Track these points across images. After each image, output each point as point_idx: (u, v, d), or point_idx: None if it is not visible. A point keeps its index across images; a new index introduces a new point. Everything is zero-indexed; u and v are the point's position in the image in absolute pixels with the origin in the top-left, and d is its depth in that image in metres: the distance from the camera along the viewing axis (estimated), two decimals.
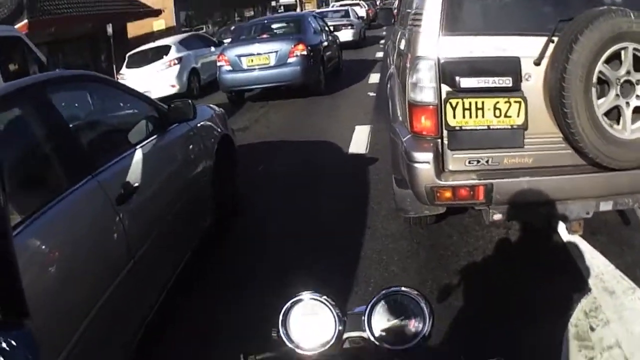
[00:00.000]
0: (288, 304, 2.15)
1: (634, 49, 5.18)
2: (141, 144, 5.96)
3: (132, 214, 5.15)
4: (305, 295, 2.16)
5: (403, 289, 2.16)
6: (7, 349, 1.92)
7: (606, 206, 5.96)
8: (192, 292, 6.51)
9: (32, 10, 30.89)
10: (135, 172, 5.52)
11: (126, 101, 6.83)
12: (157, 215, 5.81)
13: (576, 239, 6.70)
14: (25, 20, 29.59)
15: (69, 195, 4.48)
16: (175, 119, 6.86)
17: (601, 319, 5.36)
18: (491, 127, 5.52)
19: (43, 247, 4.05)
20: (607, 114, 5.35)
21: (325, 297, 2.14)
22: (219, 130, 8.38)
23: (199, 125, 7.61)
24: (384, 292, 2.16)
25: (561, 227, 6.77)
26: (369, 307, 2.11)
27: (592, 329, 5.23)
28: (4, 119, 4.79)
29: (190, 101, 7.10)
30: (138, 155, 5.74)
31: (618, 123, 5.41)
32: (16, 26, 22.32)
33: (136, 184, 5.37)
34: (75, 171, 4.76)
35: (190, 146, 7.28)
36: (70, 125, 5.37)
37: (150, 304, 5.44)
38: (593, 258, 6.38)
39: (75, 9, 34.61)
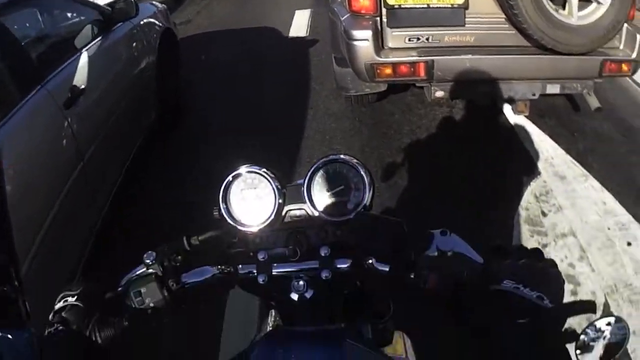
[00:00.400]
0: (227, 178, 2.05)
1: None
2: (84, 49, 5.77)
3: (79, 116, 5.06)
4: (244, 169, 2.05)
5: (341, 156, 2.03)
6: (7, 349, 1.85)
7: (553, 89, 5.99)
8: (138, 188, 6.39)
9: None
10: (81, 75, 5.38)
11: (73, 9, 6.62)
12: (104, 115, 5.71)
13: (523, 120, 6.72)
14: None
15: (20, 108, 4.34)
16: (118, 19, 6.71)
17: (553, 204, 5.39)
18: (431, 5, 5.46)
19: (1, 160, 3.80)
20: None
21: (264, 169, 2.03)
22: (160, 25, 8.14)
23: (141, 22, 7.43)
24: (322, 160, 2.03)
25: (507, 107, 6.78)
26: (308, 177, 2.00)
27: (544, 214, 5.26)
28: None
29: None
30: (83, 58, 5.60)
31: (564, 8, 5.42)
32: None
33: (82, 87, 5.24)
34: (24, 83, 4.59)
35: (134, 44, 7.09)
36: (18, 38, 5.08)
37: (101, 204, 5.38)
38: (541, 141, 6.42)
39: None
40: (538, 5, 5.19)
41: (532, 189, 5.61)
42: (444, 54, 5.65)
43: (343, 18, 5.88)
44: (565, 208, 5.31)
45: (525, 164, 6.04)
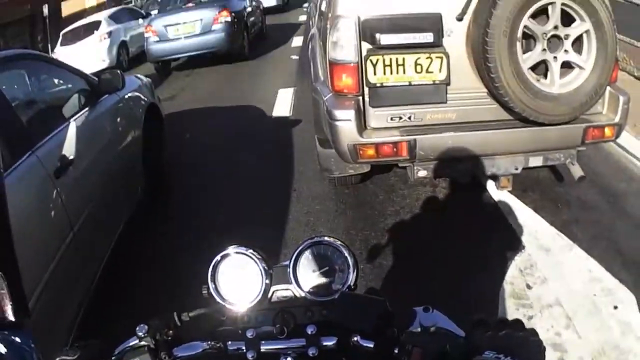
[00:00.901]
0: (216, 258, 2.07)
1: (562, 3, 5.14)
2: (74, 117, 5.86)
3: (69, 186, 5.09)
4: (232, 250, 2.07)
5: (325, 239, 2.08)
6: (7, 349, 1.81)
7: (536, 161, 5.98)
8: (126, 264, 6.36)
9: None
10: (70, 145, 5.42)
11: (60, 76, 6.77)
12: (92, 187, 5.74)
13: (506, 196, 6.69)
14: None
15: (11, 172, 4.38)
16: (105, 90, 6.77)
17: (538, 276, 5.34)
18: (413, 83, 5.45)
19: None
20: (534, 68, 5.32)
21: (251, 250, 2.06)
22: (145, 100, 8.26)
23: (127, 95, 7.51)
24: (307, 242, 2.06)
25: (490, 184, 6.74)
26: (293, 258, 2.04)
27: (529, 287, 5.20)
28: None
29: (119, 71, 7.09)
30: (72, 128, 5.64)
31: (545, 77, 5.38)
32: None
33: (71, 157, 5.27)
34: (16, 147, 4.66)
35: (120, 117, 7.19)
36: (10, 103, 5.11)
37: (90, 276, 5.36)
38: (525, 215, 6.38)
39: None
40: (520, 76, 5.18)
41: (517, 263, 5.55)
42: (426, 132, 5.62)
43: (326, 98, 5.87)
44: (550, 279, 5.26)
45: (509, 239, 5.99)
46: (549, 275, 5.30)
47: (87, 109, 6.28)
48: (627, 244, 5.78)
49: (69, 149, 5.37)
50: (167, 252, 6.49)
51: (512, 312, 4.90)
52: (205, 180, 8.51)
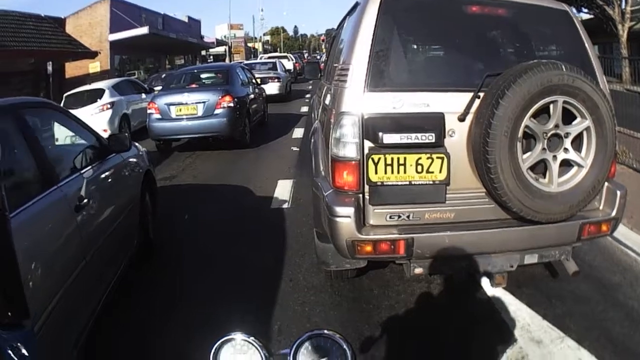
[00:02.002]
0: (218, 343, 2.22)
1: (564, 102, 5.23)
2: (89, 167, 6.88)
3: (84, 222, 5.93)
4: (235, 335, 2.21)
5: (326, 332, 2.20)
6: (7, 349, 1.87)
7: (531, 259, 6.01)
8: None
9: None
10: (85, 189, 6.26)
11: (76, 129, 7.50)
12: (100, 227, 6.48)
13: (500, 291, 6.73)
14: None
15: (41, 199, 5.31)
16: (113, 149, 7.72)
17: None
18: (413, 182, 5.51)
19: (24, 241, 4.66)
20: (533, 167, 5.39)
21: (253, 337, 2.19)
22: (143, 164, 9.23)
23: (129, 158, 8.50)
24: (307, 334, 2.19)
25: (484, 281, 6.78)
26: (294, 348, 2.16)
27: None
28: None
29: (127, 134, 8.47)
30: (87, 175, 6.61)
31: (544, 176, 5.46)
32: None
33: (85, 200, 6.09)
34: (46, 179, 5.64)
35: (124, 174, 8.18)
36: (39, 141, 5.99)
37: (97, 297, 6.16)
38: (518, 310, 6.41)
39: (22, 43, 34.58)
40: (518, 176, 5.24)
41: (508, 355, 5.59)
42: (424, 231, 5.65)
43: (326, 193, 5.92)
44: None
45: (501, 333, 6.02)
46: None
47: (98, 162, 7.23)
48: (619, 332, 5.90)
49: (85, 191, 6.22)
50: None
51: None
52: (200, 263, 8.56)
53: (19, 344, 2.05)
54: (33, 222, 5.05)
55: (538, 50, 6.28)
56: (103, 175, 7.32)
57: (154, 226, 9.47)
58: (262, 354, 2.15)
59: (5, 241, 1.96)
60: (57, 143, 7.69)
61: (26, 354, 2.07)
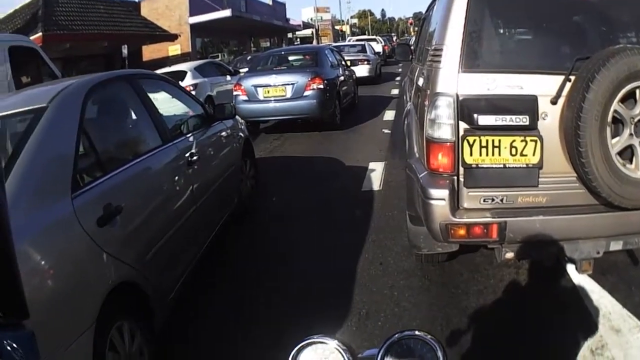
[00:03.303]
0: (297, 348, 2.09)
1: None
2: (197, 131, 8.10)
3: (194, 175, 7.23)
4: (316, 339, 2.09)
5: (417, 333, 2.07)
6: (7, 349, 2.00)
7: (616, 245, 6.00)
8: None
9: (47, 23, 31.30)
10: (195, 148, 7.44)
11: (184, 98, 9.00)
12: (207, 182, 7.78)
13: (585, 278, 6.77)
14: (40, 33, 29.90)
15: (160, 151, 6.68)
16: (218, 117, 9.05)
17: (607, 356, 5.45)
18: (507, 165, 5.56)
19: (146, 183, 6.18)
20: (620, 153, 5.41)
21: (336, 341, 2.07)
22: (243, 134, 10.60)
23: (231, 127, 9.79)
24: (397, 335, 2.07)
25: (571, 267, 6.84)
26: (382, 350, 2.04)
27: None
28: (106, 99, 6.70)
29: (231, 104, 9.68)
30: (196, 137, 7.82)
31: (631, 162, 5.48)
32: (30, 38, 22.16)
33: (195, 157, 7.28)
34: (162, 138, 6.88)
35: (227, 140, 9.49)
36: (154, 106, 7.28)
37: (206, 236, 7.59)
38: (601, 297, 6.45)
39: (91, 26, 34.97)
40: (608, 162, 5.27)
41: (589, 343, 5.64)
42: (516, 215, 5.72)
43: (421, 175, 6.01)
44: (618, 359, 5.38)
45: (583, 320, 6.08)
46: (617, 355, 5.42)
47: (205, 127, 8.51)
48: None
49: (195, 150, 7.41)
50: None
51: None
52: (289, 240, 8.83)
53: (19, 344, 2.16)
54: (154, 168, 6.41)
55: (622, 35, 6.26)
56: (209, 139, 8.52)
57: (252, 192, 10.67)
58: (345, 358, 2.04)
59: (5, 241, 2.08)
60: (169, 109, 8.57)
61: (26, 354, 2.17)
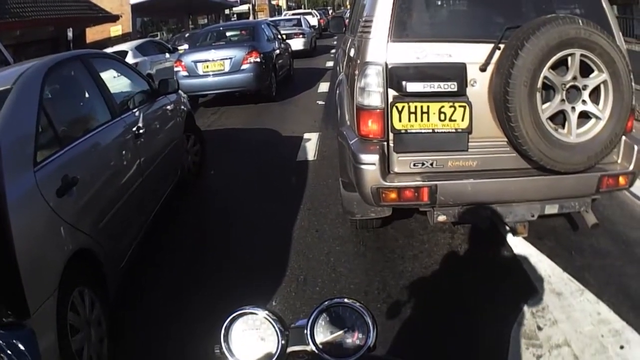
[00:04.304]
0: (228, 319, 2.13)
1: (582, 55, 5.29)
2: (143, 105, 8.25)
3: (141, 147, 7.39)
4: (246, 310, 2.13)
5: (345, 300, 2.13)
6: (8, 349, 1.95)
7: (552, 209, 6.09)
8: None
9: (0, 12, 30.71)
10: (141, 122, 7.61)
11: (130, 74, 9.00)
12: (153, 154, 7.91)
13: (522, 242, 6.81)
14: None
15: (110, 125, 6.85)
16: (162, 92, 9.12)
17: (548, 318, 5.47)
18: (436, 130, 5.59)
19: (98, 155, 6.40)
20: (552, 118, 5.46)
21: (266, 312, 2.11)
22: (185, 108, 10.56)
23: (174, 101, 9.79)
24: (325, 303, 2.13)
25: (506, 230, 6.85)
26: (311, 319, 2.09)
27: (540, 328, 5.33)
28: (61, 79, 6.79)
29: (175, 78, 10.06)
30: (142, 111, 7.96)
31: (563, 127, 5.53)
32: None
33: (142, 130, 7.48)
34: (111, 113, 7.05)
35: (171, 113, 9.51)
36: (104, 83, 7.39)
37: (153, 206, 7.75)
38: (540, 261, 6.48)
39: (40, 12, 34.63)
40: (538, 126, 5.33)
41: (529, 305, 5.68)
42: (447, 178, 5.77)
43: (352, 142, 6.02)
44: (561, 321, 5.39)
45: (522, 283, 6.11)
46: (560, 318, 5.43)
47: (150, 101, 8.63)
48: (637, 287, 5.93)
49: (141, 123, 7.56)
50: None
51: (523, 351, 5.04)
52: (227, 219, 8.70)
53: (19, 344, 2.11)
54: (104, 142, 6.55)
55: (556, 6, 6.31)
56: (154, 113, 8.61)
57: (196, 165, 10.72)
58: (276, 328, 2.08)
59: (6, 242, 2.02)
60: (116, 85, 8.43)
61: (27, 353, 2.13)
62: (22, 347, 2.06)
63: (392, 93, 5.65)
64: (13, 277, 2.07)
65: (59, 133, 5.77)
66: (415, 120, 5.57)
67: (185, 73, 18.56)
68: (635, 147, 5.95)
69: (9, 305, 2.13)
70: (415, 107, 5.54)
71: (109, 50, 24.37)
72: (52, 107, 5.82)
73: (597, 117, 5.54)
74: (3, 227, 2.13)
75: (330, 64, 27.13)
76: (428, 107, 5.54)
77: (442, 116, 5.57)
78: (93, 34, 44.29)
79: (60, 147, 5.53)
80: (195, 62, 18.59)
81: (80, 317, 4.87)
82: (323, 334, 2.09)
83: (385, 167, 5.78)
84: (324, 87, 20.96)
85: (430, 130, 5.60)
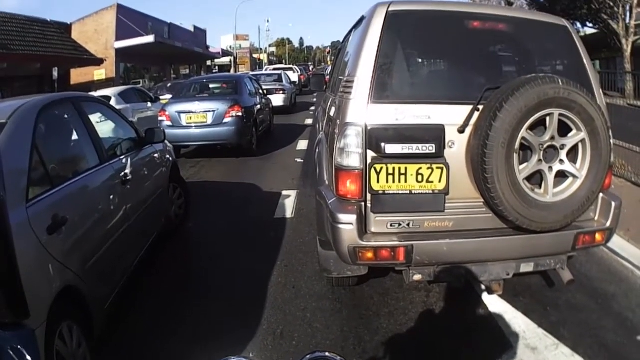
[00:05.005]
0: None
1: (560, 114, 5.36)
2: (131, 152, 8.33)
3: (129, 193, 7.51)
4: (233, 359, 2.10)
5: (327, 354, 2.12)
6: (8, 348, 1.95)
7: (527, 267, 6.12)
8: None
9: None
10: (129, 168, 7.74)
11: (118, 121, 8.99)
12: (140, 200, 8.04)
13: (497, 300, 6.84)
14: None
15: (98, 170, 6.87)
16: (149, 141, 9.12)
17: None
18: (413, 191, 5.63)
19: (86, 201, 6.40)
20: (529, 178, 5.51)
21: None
22: (171, 157, 10.64)
23: (160, 150, 9.86)
24: (308, 356, 2.11)
25: (481, 289, 6.88)
26: None
27: None
28: (54, 119, 6.72)
29: (162, 128, 10.11)
30: (130, 158, 8.08)
31: (540, 187, 5.59)
32: None
33: (129, 177, 7.59)
34: (100, 157, 7.04)
35: (157, 162, 9.61)
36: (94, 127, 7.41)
37: (137, 251, 7.84)
38: (514, 318, 6.52)
39: (28, 47, 34.70)
40: (515, 187, 5.37)
41: None
42: (423, 239, 5.77)
43: (330, 201, 6.03)
44: None
45: (497, 340, 6.13)
46: None
47: (137, 149, 8.68)
48: (613, 340, 6.00)
49: (129, 170, 7.69)
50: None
51: None
52: (204, 274, 8.61)
53: (19, 344, 2.10)
54: (93, 185, 6.63)
55: (537, 65, 6.40)
56: (141, 161, 8.70)
57: (180, 215, 10.80)
58: None
59: (6, 243, 2.02)
60: (104, 130, 8.41)
61: (26, 353, 2.12)
62: (22, 347, 2.06)
63: (370, 154, 5.67)
64: (13, 278, 2.06)
65: (50, 172, 5.80)
66: (393, 182, 5.60)
67: (169, 123, 18.62)
68: (613, 204, 6.04)
69: (8, 306, 2.14)
70: (394, 168, 5.57)
71: (94, 94, 24.47)
72: (44, 146, 5.85)
73: (574, 176, 5.61)
74: (3, 230, 2.13)
75: (309, 121, 27.44)
76: (406, 168, 5.58)
77: (420, 177, 5.60)
78: (77, 75, 44.37)
79: (52, 186, 5.60)
80: (179, 112, 18.69)
81: (68, 348, 4.91)
82: None
83: (363, 227, 5.79)
84: (302, 144, 20.97)
85: (408, 192, 5.63)
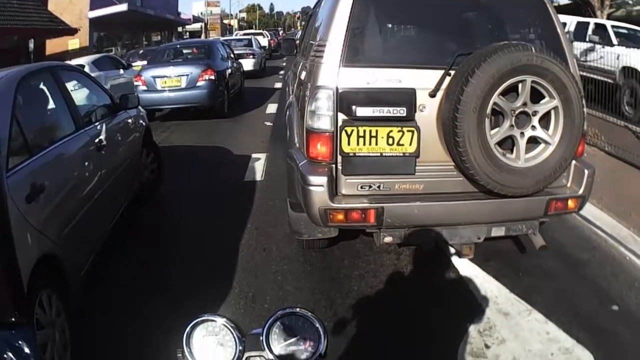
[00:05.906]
0: (190, 325, 2.18)
1: (533, 81, 5.28)
2: (106, 118, 8.29)
3: (104, 159, 7.42)
4: (207, 317, 2.19)
5: (297, 310, 2.20)
6: (8, 348, 1.87)
7: (498, 232, 6.09)
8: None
9: None
10: (103, 135, 7.64)
11: (94, 88, 8.94)
12: (114, 165, 7.95)
13: (467, 263, 6.81)
14: None
15: (74, 137, 6.84)
16: (123, 107, 9.11)
17: (496, 337, 5.44)
18: (384, 154, 5.57)
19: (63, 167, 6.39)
20: (501, 143, 5.45)
21: (225, 319, 2.17)
22: (144, 123, 10.50)
23: (134, 116, 9.84)
24: (279, 312, 2.19)
25: (452, 252, 6.86)
26: (266, 327, 2.15)
27: (487, 347, 5.31)
28: (32, 89, 6.70)
29: (136, 94, 10.08)
30: (105, 124, 8.00)
31: (512, 152, 5.52)
32: None
33: (104, 143, 7.51)
34: (76, 125, 7.03)
35: (131, 127, 9.55)
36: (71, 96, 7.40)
37: (112, 217, 7.76)
38: (486, 282, 6.47)
39: (6, 21, 34.34)
40: (486, 151, 5.32)
41: (476, 325, 5.64)
42: (393, 201, 5.72)
43: (300, 164, 5.97)
44: (509, 340, 5.37)
45: (468, 304, 6.09)
46: (508, 337, 5.41)
47: (112, 115, 8.64)
48: (587, 307, 5.96)
49: (104, 136, 7.60)
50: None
51: None
52: (174, 240, 8.53)
53: (19, 343, 2.04)
54: (69, 153, 6.57)
55: (510, 33, 6.33)
56: (116, 127, 8.64)
57: (153, 180, 10.51)
58: (234, 334, 2.16)
59: (7, 244, 1.96)
60: (80, 98, 8.30)
61: (27, 352, 2.06)
62: (21, 347, 2.01)
63: (341, 117, 5.61)
64: (13, 279, 2.00)
65: (29, 141, 5.79)
66: (364, 144, 5.55)
67: (145, 87, 18.81)
68: (586, 171, 5.98)
69: (8, 306, 2.09)
70: (364, 131, 5.52)
71: (66, 63, 24.39)
72: (23, 116, 5.84)
73: (546, 142, 5.54)
74: (4, 232, 2.06)
75: (278, 84, 27.53)
76: (377, 131, 5.52)
77: (391, 140, 5.54)
78: (52, 46, 43.99)
79: (30, 155, 5.60)
80: (154, 77, 18.86)
81: (47, 315, 4.85)
82: (277, 341, 2.16)
83: (333, 189, 5.74)
84: (272, 108, 20.98)
85: (379, 154, 5.58)
